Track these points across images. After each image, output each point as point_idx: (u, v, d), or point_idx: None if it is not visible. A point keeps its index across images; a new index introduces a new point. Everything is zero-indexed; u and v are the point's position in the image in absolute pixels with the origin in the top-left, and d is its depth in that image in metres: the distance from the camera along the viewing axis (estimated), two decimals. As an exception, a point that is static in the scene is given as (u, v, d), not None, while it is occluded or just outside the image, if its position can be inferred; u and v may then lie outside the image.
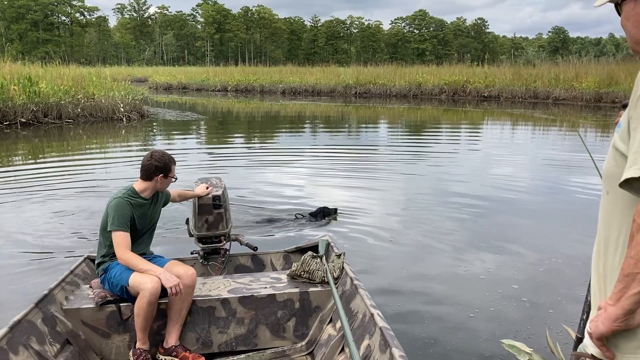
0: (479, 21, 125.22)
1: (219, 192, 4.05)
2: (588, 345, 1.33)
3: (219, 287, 3.49)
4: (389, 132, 17.14)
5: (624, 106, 1.66)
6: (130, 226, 3.27)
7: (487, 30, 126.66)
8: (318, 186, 8.50)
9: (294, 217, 6.65)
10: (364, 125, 18.76)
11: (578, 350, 1.40)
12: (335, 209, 6.73)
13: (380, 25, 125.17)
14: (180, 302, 3.20)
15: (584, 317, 1.72)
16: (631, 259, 1.17)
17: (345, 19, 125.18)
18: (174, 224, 6.13)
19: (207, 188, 4.04)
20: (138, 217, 3.35)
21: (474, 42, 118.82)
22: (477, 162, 11.02)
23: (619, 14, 1.45)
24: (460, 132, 16.81)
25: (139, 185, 3.40)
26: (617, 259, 1.32)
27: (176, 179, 3.51)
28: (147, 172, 3.37)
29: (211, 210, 4.02)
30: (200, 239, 4.10)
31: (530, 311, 4.08)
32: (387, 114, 23.09)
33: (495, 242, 5.74)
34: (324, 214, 6.63)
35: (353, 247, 5.57)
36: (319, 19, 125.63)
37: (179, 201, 3.98)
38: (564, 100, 27.63)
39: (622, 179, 1.21)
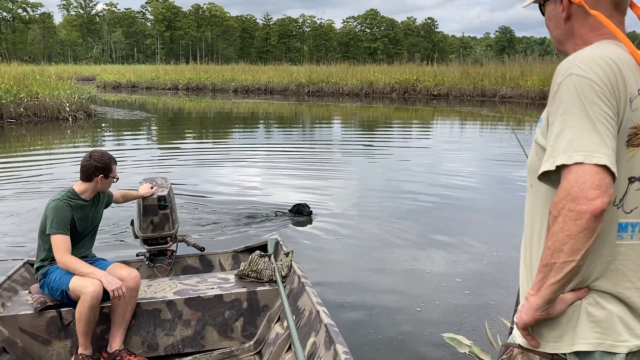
0: (428, 21, 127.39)
1: (165, 193, 3.98)
2: (516, 336, 1.37)
3: (165, 289, 3.44)
4: (342, 130, 17.24)
5: None
6: (70, 229, 3.18)
7: (437, 30, 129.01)
8: (272, 184, 8.48)
9: (274, 214, 6.70)
10: (317, 124, 18.81)
11: (507, 341, 1.44)
12: (310, 212, 6.69)
13: (333, 24, 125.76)
14: (124, 306, 3.13)
15: (517, 308, 1.77)
16: (548, 249, 1.21)
17: (298, 18, 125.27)
18: (119, 225, 5.99)
19: (152, 188, 3.96)
20: (78, 220, 3.26)
21: (424, 42, 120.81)
22: (427, 159, 11.21)
23: (543, 15, 1.50)
24: (411, 129, 17.06)
25: (79, 186, 3.31)
26: (540, 250, 1.36)
27: (117, 178, 3.42)
28: (87, 173, 3.28)
29: (156, 211, 3.95)
30: (146, 241, 4.02)
31: (474, 303, 4.18)
32: (340, 113, 23.22)
33: (441, 236, 5.86)
34: (298, 212, 6.64)
35: (305, 243, 5.58)
36: (271, 17, 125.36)
37: (122, 202, 3.89)
38: (510, 98, 28.40)
39: (540, 172, 1.25)
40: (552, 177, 1.25)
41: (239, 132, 16.39)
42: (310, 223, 6.38)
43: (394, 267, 4.97)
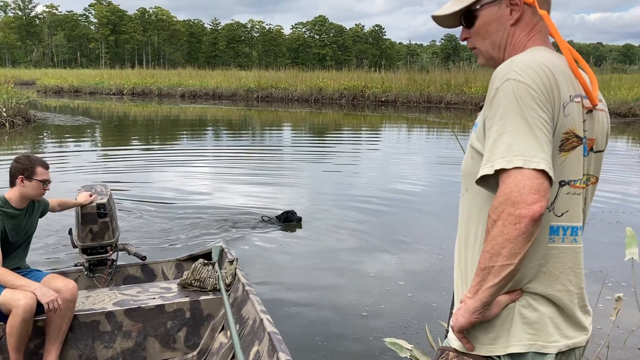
0: (376, 28, 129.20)
1: (104, 200, 3.85)
2: (451, 339, 1.37)
3: (104, 299, 3.32)
4: (292, 135, 17.23)
5: (481, 108, 1.75)
6: (1, 239, 3.03)
7: (385, 37, 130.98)
8: (221, 189, 8.37)
9: (261, 218, 6.63)
10: (267, 129, 18.73)
11: (443, 344, 1.44)
12: (300, 218, 6.63)
13: (282, 30, 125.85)
14: (60, 318, 3.00)
15: (452, 311, 1.79)
16: (487, 253, 1.22)
17: (246, 23, 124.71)
18: (57, 235, 5.77)
19: (91, 196, 3.83)
20: (10, 229, 3.11)
21: (372, 49, 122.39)
22: (376, 163, 11.33)
23: (468, 24, 1.47)
24: (360, 135, 17.20)
25: (9, 193, 3.16)
26: (475, 254, 1.37)
27: (49, 182, 3.27)
28: (11, 176, 3.17)
29: (96, 219, 3.82)
30: (85, 250, 3.88)
31: (416, 306, 4.24)
32: (290, 118, 23.20)
33: (387, 239, 5.92)
34: (286, 219, 6.57)
35: (251, 249, 5.53)
36: (220, 22, 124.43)
37: (59, 211, 3.74)
38: (455, 104, 29.08)
39: (478, 176, 1.26)
40: (489, 181, 1.26)
41: (186, 137, 16.13)
42: (301, 228, 6.39)
43: (340, 272, 4.98)
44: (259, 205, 7.34)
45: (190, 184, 8.82)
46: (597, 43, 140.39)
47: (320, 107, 28.56)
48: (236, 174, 9.78)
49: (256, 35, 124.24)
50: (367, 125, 20.81)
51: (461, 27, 1.50)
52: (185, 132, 17.38)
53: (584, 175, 1.35)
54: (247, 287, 3.23)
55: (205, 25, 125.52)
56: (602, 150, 1.45)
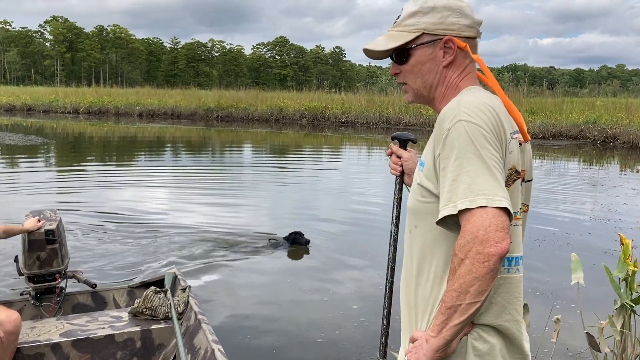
0: (336, 50, 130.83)
1: (53, 226, 3.74)
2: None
3: (51, 330, 3.20)
4: (253, 154, 17.16)
5: (394, 138, 1.78)
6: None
7: (345, 59, 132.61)
8: (179, 210, 8.25)
9: (268, 241, 6.57)
10: (227, 149, 18.63)
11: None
12: (308, 240, 6.54)
13: (242, 50, 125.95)
14: (1, 351, 2.88)
15: (382, 340, 1.83)
16: (454, 291, 1.22)
17: (207, 42, 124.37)
18: (2, 262, 5.56)
19: (39, 221, 3.71)
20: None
21: (332, 70, 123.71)
22: (336, 184, 11.37)
23: (400, 61, 1.50)
24: (321, 155, 17.27)
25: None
26: (427, 290, 1.39)
27: None
28: None
29: (44, 246, 3.70)
30: (32, 278, 3.75)
31: (370, 332, 4.24)
32: (251, 138, 23.14)
33: (344, 260, 5.95)
34: (294, 240, 6.49)
35: (205, 275, 5.44)
36: (179, 41, 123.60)
37: (4, 238, 3.60)
38: (413, 125, 29.50)
39: (440, 216, 1.27)
40: (447, 221, 1.27)
41: (144, 157, 15.88)
42: (307, 253, 6.31)
43: (296, 296, 4.96)
44: (217, 225, 7.25)
45: (147, 205, 8.67)
46: (550, 67, 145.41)
47: (281, 127, 28.60)
48: (195, 194, 9.66)
49: (216, 54, 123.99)
50: (328, 145, 20.93)
51: (392, 61, 1.53)
52: (142, 152, 17.12)
53: (522, 205, 1.41)
54: (199, 316, 3.17)
55: (165, 43, 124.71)
56: (531, 180, 1.51)
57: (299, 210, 8.66)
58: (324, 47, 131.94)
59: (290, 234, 6.57)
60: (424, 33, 1.45)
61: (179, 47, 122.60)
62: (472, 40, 1.46)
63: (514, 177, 1.36)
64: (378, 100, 32.78)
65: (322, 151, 18.71)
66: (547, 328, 3.97)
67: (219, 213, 8.20)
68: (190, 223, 7.52)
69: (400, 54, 1.49)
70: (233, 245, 6.54)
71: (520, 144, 1.41)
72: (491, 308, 1.34)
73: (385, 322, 1.84)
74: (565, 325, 3.69)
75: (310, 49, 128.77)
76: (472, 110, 1.29)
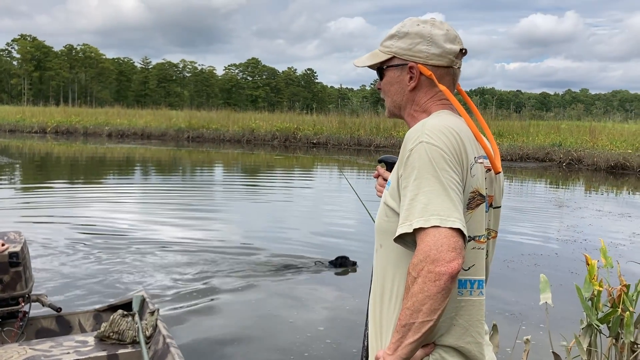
0: (308, 71, 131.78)
1: (17, 248, 3.64)
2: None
3: (12, 356, 3.10)
4: (224, 175, 17.07)
5: (380, 161, 1.82)
6: None
7: (316, 81, 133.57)
8: (148, 230, 8.10)
9: (314, 264, 6.60)
10: (198, 169, 18.50)
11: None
12: (354, 262, 6.62)
13: (214, 71, 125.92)
14: (-40, 379, 2.78)
15: None
16: (407, 309, 1.24)
17: (178, 63, 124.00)
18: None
19: (3, 245, 3.61)
20: None
21: (304, 91, 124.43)
22: (308, 203, 11.35)
23: (381, 78, 1.58)
24: (293, 175, 17.27)
25: None
26: (391, 309, 1.40)
27: None
28: None
29: (7, 269, 3.59)
30: (-7, 302, 3.63)
31: (338, 354, 4.22)
32: (222, 158, 23.04)
33: (310, 281, 5.91)
34: (341, 264, 6.56)
35: (176, 297, 5.35)
36: (150, 61, 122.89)
37: (-35, 260, 3.49)
38: (384, 147, 29.76)
39: (396, 234, 1.29)
40: (406, 239, 1.30)
41: (113, 177, 15.65)
42: (354, 272, 6.40)
43: (265, 318, 4.94)
44: (187, 245, 7.16)
45: (116, 225, 8.51)
46: (517, 91, 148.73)
47: (253, 148, 28.55)
48: (165, 214, 9.54)
49: (188, 75, 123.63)
50: (299, 166, 20.97)
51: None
52: (111, 172, 16.87)
53: (485, 230, 1.43)
54: (167, 340, 3.11)
55: (136, 63, 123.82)
56: (500, 207, 1.54)
57: (270, 227, 8.61)
58: (295, 69, 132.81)
59: (337, 258, 6.67)
60: (394, 56, 1.52)
61: (150, 67, 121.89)
62: (445, 68, 1.50)
63: (478, 200, 1.38)
64: (349, 122, 33.02)
65: (294, 172, 18.72)
66: (515, 348, 4.01)
67: (189, 233, 8.11)
68: (160, 244, 7.42)
69: (379, 72, 1.57)
70: (203, 265, 6.46)
71: (489, 170, 1.44)
72: (453, 330, 1.36)
73: (365, 344, 1.84)
74: (534, 345, 3.72)
75: (282, 71, 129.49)
76: (434, 133, 1.33)
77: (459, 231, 1.23)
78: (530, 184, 16.78)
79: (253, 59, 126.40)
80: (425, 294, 1.21)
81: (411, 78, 1.50)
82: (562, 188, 15.90)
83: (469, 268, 1.38)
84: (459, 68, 1.53)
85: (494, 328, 2.78)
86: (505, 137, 26.38)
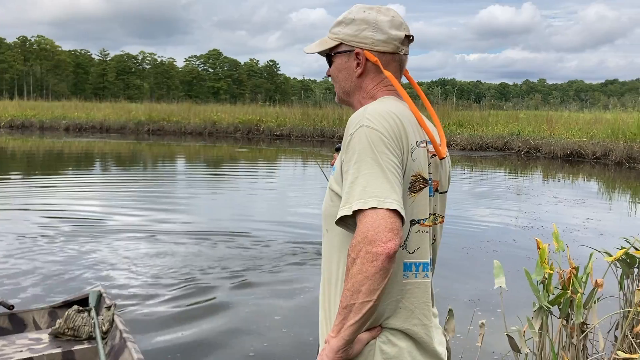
0: (270, 63, 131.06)
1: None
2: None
3: (-38, 356, 3.01)
4: (186, 168, 16.86)
5: (337, 149, 1.84)
6: None
7: (279, 72, 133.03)
8: (106, 224, 7.94)
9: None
10: (160, 162, 18.23)
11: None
12: None
13: (174, 62, 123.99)
14: None
15: (319, 350, 1.82)
16: (348, 291, 1.25)
17: (137, 55, 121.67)
18: None
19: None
20: None
21: (266, 83, 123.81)
22: (271, 194, 11.32)
23: (330, 65, 1.60)
24: (257, 167, 17.18)
25: None
26: (338, 293, 1.42)
27: None
28: None
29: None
30: (-58, 302, 3.52)
31: (295, 342, 4.26)
32: (184, 151, 22.76)
33: (267, 271, 5.91)
34: None
35: (135, 291, 5.28)
36: (108, 53, 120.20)
37: None
38: (347, 138, 29.86)
39: (337, 217, 1.30)
40: (348, 222, 1.30)
41: (70, 170, 15.27)
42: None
43: (223, 309, 4.92)
44: (147, 239, 7.06)
45: (73, 219, 8.31)
46: (477, 81, 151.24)
47: (215, 141, 28.30)
48: (124, 207, 9.36)
49: (148, 67, 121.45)
50: (263, 158, 20.88)
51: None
52: (69, 166, 16.47)
53: (430, 214, 1.46)
54: (125, 335, 3.07)
55: (93, 55, 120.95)
56: (446, 192, 1.57)
57: (235, 218, 8.56)
58: (258, 61, 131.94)
59: None
60: (342, 43, 1.54)
61: (108, 59, 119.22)
62: (390, 55, 1.51)
63: (421, 184, 1.40)
64: (312, 114, 33.02)
65: (257, 163, 18.63)
66: (471, 332, 4.10)
67: (151, 226, 7.99)
68: (120, 236, 7.30)
69: (328, 59, 1.59)
70: (165, 258, 6.38)
71: (434, 155, 1.47)
72: (399, 312, 1.38)
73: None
74: (491, 329, 3.81)
75: (244, 62, 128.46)
76: (374, 117, 1.34)
77: (396, 212, 1.24)
78: (490, 172, 17.11)
79: (214, 50, 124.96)
80: (364, 274, 1.22)
81: (358, 64, 1.52)
82: (521, 176, 16.26)
83: (414, 251, 1.40)
84: (405, 55, 1.55)
85: (450, 313, 2.82)
86: (466, 127, 26.81)
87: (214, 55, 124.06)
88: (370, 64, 1.51)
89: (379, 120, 1.34)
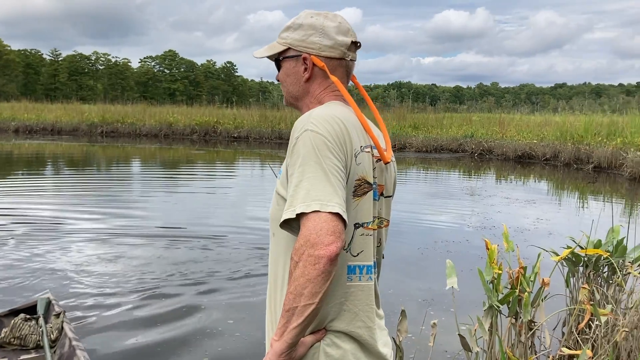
0: (228, 64, 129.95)
1: None
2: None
3: None
4: (141, 170, 16.53)
5: None
6: None
7: (237, 74, 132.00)
8: (57, 229, 7.71)
9: None
10: (114, 164, 17.83)
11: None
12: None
13: (129, 63, 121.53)
14: None
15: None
16: (291, 294, 1.26)
17: (90, 55, 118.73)
18: None
19: None
20: None
21: (224, 85, 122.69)
22: (229, 197, 11.23)
23: (278, 69, 1.61)
24: (214, 170, 17.00)
25: None
26: (283, 296, 1.42)
27: None
28: None
29: None
30: None
31: (248, 345, 4.22)
32: (139, 154, 22.34)
33: (226, 276, 5.87)
34: None
35: (86, 299, 5.15)
36: (60, 53, 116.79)
37: None
38: (305, 140, 29.88)
39: (281, 220, 1.32)
40: (292, 225, 1.32)
41: (21, 173, 14.78)
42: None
43: (177, 314, 4.86)
44: (101, 246, 6.89)
45: (25, 222, 8.04)
46: (432, 84, 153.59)
47: (171, 143, 27.89)
48: (76, 211, 9.11)
49: (101, 67, 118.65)
50: (221, 160, 20.70)
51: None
52: (19, 169, 15.95)
53: (375, 217, 1.48)
54: (74, 342, 3.00)
55: (45, 55, 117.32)
56: (391, 196, 1.60)
57: (192, 220, 8.46)
58: (215, 62, 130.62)
59: None
60: (290, 47, 1.56)
61: (59, 59, 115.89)
62: (337, 60, 1.54)
63: (365, 188, 1.43)
64: (270, 116, 32.93)
65: (215, 165, 18.45)
66: (423, 332, 4.17)
67: (105, 229, 7.81)
68: (72, 241, 7.10)
69: (276, 63, 1.61)
70: (118, 263, 6.25)
71: (379, 160, 1.49)
72: (343, 315, 1.40)
73: None
74: (444, 329, 3.89)
75: (201, 64, 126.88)
76: (319, 122, 1.36)
77: (338, 216, 1.26)
78: (444, 173, 17.42)
79: (170, 51, 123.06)
80: (306, 277, 1.23)
81: (305, 69, 1.54)
82: (474, 177, 16.62)
83: (358, 254, 1.43)
84: (352, 60, 1.58)
85: (403, 314, 2.87)
86: (421, 129, 27.23)
87: (170, 56, 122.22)
88: (317, 69, 1.53)
89: (323, 124, 1.35)
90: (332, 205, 1.26)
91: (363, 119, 1.49)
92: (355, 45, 1.56)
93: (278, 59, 1.60)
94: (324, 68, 1.51)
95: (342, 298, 1.40)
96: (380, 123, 1.60)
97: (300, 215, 1.27)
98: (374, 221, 1.47)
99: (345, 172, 1.36)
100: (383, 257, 1.63)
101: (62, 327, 3.25)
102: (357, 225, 1.42)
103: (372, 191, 1.45)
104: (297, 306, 1.25)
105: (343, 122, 1.39)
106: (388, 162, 1.52)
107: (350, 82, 1.66)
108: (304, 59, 1.53)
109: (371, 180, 1.45)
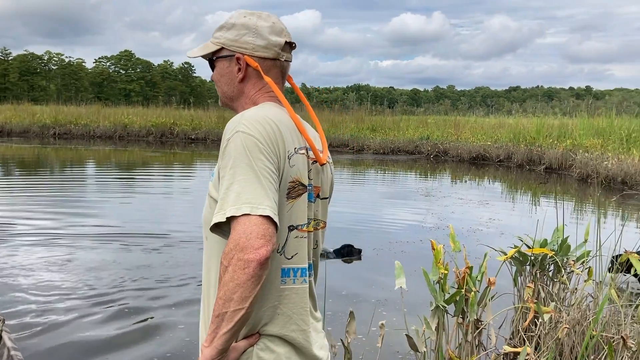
0: (186, 65, 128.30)
1: None
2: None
3: None
4: (95, 173, 16.14)
5: None
6: None
7: (194, 75, 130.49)
8: (7, 230, 7.46)
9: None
10: (68, 167, 17.35)
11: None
12: (360, 250, 6.71)
13: (83, 64, 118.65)
14: None
15: None
16: (220, 299, 1.23)
17: (43, 54, 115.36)
18: None
19: None
20: None
21: (181, 85, 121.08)
22: (185, 202, 11.07)
23: (212, 69, 1.59)
24: (170, 172, 16.74)
25: None
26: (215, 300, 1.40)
27: None
28: None
29: None
30: None
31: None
32: (92, 156, 21.80)
33: (175, 277, 5.78)
34: (349, 253, 6.54)
35: (28, 305, 4.98)
36: (10, 52, 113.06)
37: None
38: (264, 142, 29.75)
39: (211, 224, 1.29)
40: (224, 229, 1.29)
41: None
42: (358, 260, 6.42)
43: (126, 318, 4.76)
44: (48, 246, 6.68)
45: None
46: (390, 87, 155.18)
47: (126, 145, 27.36)
48: (29, 213, 8.81)
49: (54, 67, 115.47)
50: (178, 162, 20.41)
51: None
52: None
53: (311, 220, 1.47)
54: (12, 352, 2.89)
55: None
56: (327, 198, 1.59)
57: (151, 223, 8.29)
58: (172, 62, 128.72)
59: (343, 246, 6.72)
60: (223, 47, 1.54)
61: (10, 58, 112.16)
62: (271, 60, 1.52)
63: (299, 190, 1.41)
64: (229, 117, 32.14)
65: (171, 167, 18.18)
66: (371, 333, 4.19)
67: (52, 232, 7.56)
68: (18, 244, 6.85)
69: (210, 63, 1.59)
70: (329, 258, 6.48)
71: (315, 162, 1.48)
72: (277, 319, 1.39)
73: None
74: (391, 330, 3.91)
75: (158, 64, 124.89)
76: (250, 123, 1.34)
77: (269, 219, 1.24)
78: (401, 175, 17.63)
79: (126, 51, 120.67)
80: (236, 282, 1.21)
81: (239, 69, 1.52)
82: (430, 178, 16.86)
83: (292, 257, 1.41)
84: (287, 61, 1.56)
85: (351, 315, 2.88)
86: (379, 131, 27.50)
87: (126, 57, 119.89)
88: (251, 69, 1.51)
89: (255, 126, 1.34)
90: (263, 208, 1.24)
91: (297, 120, 1.48)
92: (290, 45, 1.55)
93: (212, 59, 1.57)
94: (257, 68, 1.49)
95: (275, 302, 1.38)
96: (317, 124, 1.59)
97: (230, 219, 1.25)
98: (309, 223, 1.46)
99: (277, 174, 1.34)
100: (322, 258, 1.62)
101: (1, 336, 3.13)
102: (291, 228, 1.40)
103: (306, 193, 1.44)
104: (227, 311, 1.22)
105: (276, 124, 1.37)
106: (324, 164, 1.50)
107: (287, 84, 1.65)
108: (238, 59, 1.51)
109: (306, 182, 1.43)
